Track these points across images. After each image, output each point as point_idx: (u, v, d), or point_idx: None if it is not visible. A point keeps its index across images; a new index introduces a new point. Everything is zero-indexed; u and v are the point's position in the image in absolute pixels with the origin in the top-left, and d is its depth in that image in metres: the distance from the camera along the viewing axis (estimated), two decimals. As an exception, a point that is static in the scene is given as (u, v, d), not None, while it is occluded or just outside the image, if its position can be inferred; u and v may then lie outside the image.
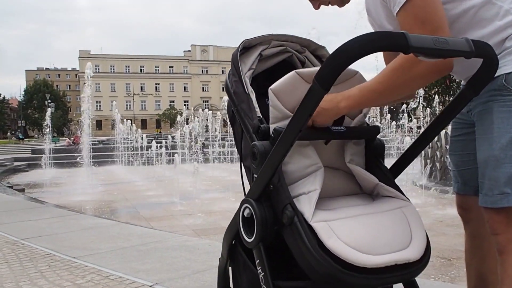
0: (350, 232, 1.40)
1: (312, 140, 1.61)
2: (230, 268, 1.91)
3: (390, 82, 1.41)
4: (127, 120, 27.08)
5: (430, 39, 1.20)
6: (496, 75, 1.43)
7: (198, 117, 27.46)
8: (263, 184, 1.48)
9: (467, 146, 1.71)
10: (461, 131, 1.78)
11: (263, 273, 1.49)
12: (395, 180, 1.70)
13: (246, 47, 1.82)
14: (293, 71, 1.58)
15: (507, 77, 1.44)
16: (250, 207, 1.52)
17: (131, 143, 23.99)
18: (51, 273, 3.30)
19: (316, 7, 1.60)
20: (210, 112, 31.06)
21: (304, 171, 1.56)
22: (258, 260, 1.51)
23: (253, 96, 1.66)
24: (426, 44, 1.18)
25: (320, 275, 1.35)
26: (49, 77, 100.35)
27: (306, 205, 1.44)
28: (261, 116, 1.63)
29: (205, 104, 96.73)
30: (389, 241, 1.42)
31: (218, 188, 11.08)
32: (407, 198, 1.59)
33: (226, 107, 1.91)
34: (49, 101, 64.68)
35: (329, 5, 1.63)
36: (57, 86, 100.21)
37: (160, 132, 60.74)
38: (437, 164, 10.25)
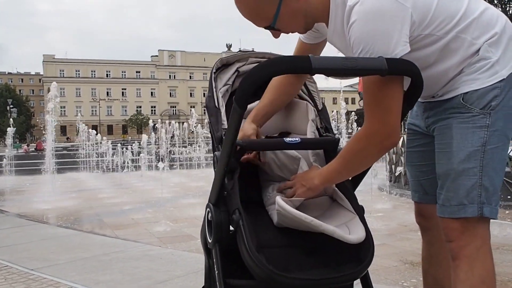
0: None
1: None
2: None
3: (348, 164, 1.57)
4: (91, 129, 26.41)
5: (338, 59, 1.31)
6: (454, 95, 1.58)
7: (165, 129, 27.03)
8: (216, 189, 1.62)
9: (425, 156, 1.82)
10: (418, 141, 1.88)
11: (217, 272, 1.59)
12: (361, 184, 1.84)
13: (225, 64, 1.97)
14: None
15: (465, 96, 1.55)
16: (210, 211, 1.64)
17: (95, 150, 23.51)
18: (7, 287, 3.20)
19: (277, 36, 1.63)
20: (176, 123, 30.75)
21: None
22: (214, 260, 1.62)
23: (222, 110, 1.82)
24: (331, 65, 1.30)
25: (257, 275, 1.47)
26: (11, 82, 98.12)
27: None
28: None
29: (173, 110, 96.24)
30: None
31: (185, 194, 10.97)
32: (358, 208, 1.70)
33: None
34: (11, 106, 63.18)
35: (290, 33, 1.66)
36: (20, 91, 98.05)
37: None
38: (401, 169, 10.39)
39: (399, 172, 10.30)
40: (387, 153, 11.29)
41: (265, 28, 1.58)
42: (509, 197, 7.06)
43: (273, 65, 1.30)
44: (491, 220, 1.60)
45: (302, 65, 1.28)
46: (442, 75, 1.59)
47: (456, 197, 1.55)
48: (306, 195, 1.66)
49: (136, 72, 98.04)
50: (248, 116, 1.83)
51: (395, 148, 11.10)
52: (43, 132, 14.97)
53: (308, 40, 1.79)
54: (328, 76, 1.34)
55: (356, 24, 1.41)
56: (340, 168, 1.58)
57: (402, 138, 10.35)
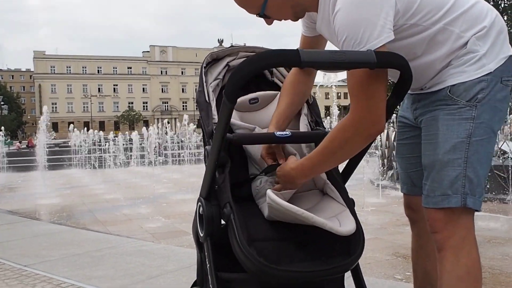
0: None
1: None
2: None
3: (331, 153, 1.53)
4: (82, 126, 26.28)
5: (327, 53, 1.32)
6: (441, 87, 1.59)
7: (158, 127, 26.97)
8: (207, 184, 1.64)
9: (414, 149, 1.83)
10: (407, 134, 1.89)
11: (208, 265, 1.61)
12: (351, 178, 1.87)
13: (215, 59, 1.98)
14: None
15: (452, 88, 1.57)
16: (201, 205, 1.66)
17: (87, 145, 23.45)
18: (0, 283, 3.19)
19: (270, 22, 1.66)
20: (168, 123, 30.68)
21: None
22: (206, 253, 1.64)
23: (213, 104, 1.82)
24: (320, 58, 1.31)
25: (248, 269, 1.49)
26: (1, 78, 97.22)
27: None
28: None
29: (165, 106, 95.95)
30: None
31: (178, 190, 10.97)
32: (348, 200, 1.72)
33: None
34: (2, 103, 62.76)
35: (283, 20, 1.68)
36: (10, 87, 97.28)
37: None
38: (394, 163, 10.44)
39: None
40: (379, 148, 11.35)
41: (257, 15, 1.62)
42: (502, 191, 7.11)
43: (262, 59, 1.31)
44: (483, 214, 1.61)
45: (291, 59, 1.28)
46: (429, 67, 1.60)
47: (440, 188, 1.56)
48: (292, 188, 1.67)
49: (128, 68, 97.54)
50: (270, 124, 1.80)
51: (387, 142, 11.15)
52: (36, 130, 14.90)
53: (308, 33, 1.81)
54: (317, 69, 1.34)
55: (340, 12, 1.43)
56: (324, 158, 1.55)
57: (394, 132, 10.42)
